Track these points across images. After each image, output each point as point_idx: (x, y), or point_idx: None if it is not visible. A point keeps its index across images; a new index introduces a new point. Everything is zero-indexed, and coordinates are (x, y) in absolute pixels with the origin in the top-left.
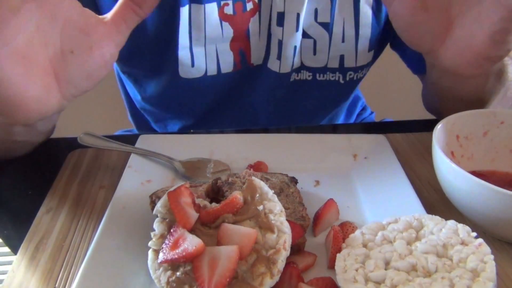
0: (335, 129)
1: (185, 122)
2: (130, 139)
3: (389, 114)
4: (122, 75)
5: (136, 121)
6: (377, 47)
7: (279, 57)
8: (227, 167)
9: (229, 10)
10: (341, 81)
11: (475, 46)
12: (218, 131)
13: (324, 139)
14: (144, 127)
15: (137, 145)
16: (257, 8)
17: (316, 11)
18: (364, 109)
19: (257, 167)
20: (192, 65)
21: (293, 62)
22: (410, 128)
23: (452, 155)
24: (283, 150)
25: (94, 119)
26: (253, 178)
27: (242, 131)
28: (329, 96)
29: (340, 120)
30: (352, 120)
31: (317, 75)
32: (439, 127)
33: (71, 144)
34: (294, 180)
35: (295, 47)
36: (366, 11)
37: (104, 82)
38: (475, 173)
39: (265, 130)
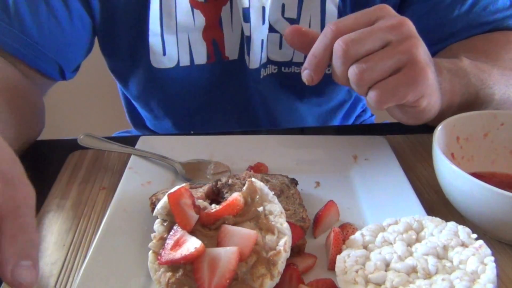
0: (335, 130)
1: (172, 120)
2: (130, 141)
3: (389, 117)
4: (111, 74)
5: (132, 120)
6: None
7: (248, 52)
8: (227, 168)
9: None
10: None
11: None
12: (218, 133)
13: (324, 141)
14: (141, 125)
15: (137, 146)
16: None
17: (283, 6)
18: (364, 111)
19: (257, 169)
20: (164, 53)
21: (261, 57)
22: (410, 130)
23: (452, 157)
24: (284, 151)
25: (94, 121)
26: (253, 179)
27: (242, 133)
28: (300, 90)
29: (338, 121)
30: (351, 122)
31: (282, 68)
32: (439, 128)
33: (71, 145)
34: (294, 182)
35: (262, 41)
36: (332, 9)
37: (103, 83)
38: (475, 175)
39: (266, 132)
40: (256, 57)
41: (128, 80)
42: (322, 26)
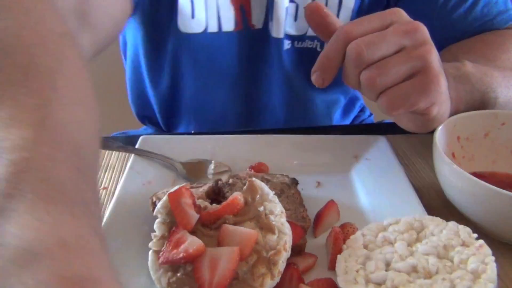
0: (335, 130)
1: (190, 92)
2: (130, 140)
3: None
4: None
5: (140, 109)
6: None
7: (272, 18)
8: (228, 168)
9: None
10: (319, 49)
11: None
12: (219, 132)
13: (325, 140)
14: (148, 116)
15: (138, 146)
16: None
17: None
18: (362, 110)
19: (258, 168)
20: (192, 15)
21: (284, 26)
22: None
23: (453, 156)
24: (284, 151)
25: None
26: (254, 179)
27: (243, 132)
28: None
29: (337, 118)
30: (349, 121)
31: (295, 42)
32: (440, 128)
33: None
34: (295, 181)
35: (286, 9)
36: None
37: (104, 83)
38: (476, 175)
39: (267, 131)
40: (280, 25)
41: (156, 49)
42: (340, 3)
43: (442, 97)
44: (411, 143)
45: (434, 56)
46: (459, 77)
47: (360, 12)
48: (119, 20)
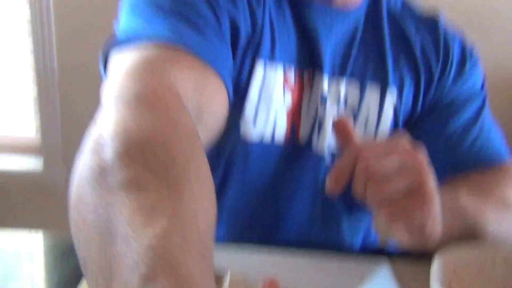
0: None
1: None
2: None
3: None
4: None
5: None
6: None
7: (318, 135)
8: (242, 281)
9: (290, 76)
10: None
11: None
12: (235, 246)
13: (336, 263)
14: None
15: None
16: (311, 83)
17: (345, 98)
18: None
19: (270, 286)
20: (254, 122)
21: (329, 143)
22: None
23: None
24: (295, 270)
25: None
26: None
27: (259, 245)
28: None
29: (358, 241)
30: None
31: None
32: (436, 260)
33: None
34: None
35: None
36: (389, 109)
37: None
38: None
39: (283, 249)
40: (324, 142)
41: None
42: (378, 121)
43: (435, 217)
44: (415, 271)
45: (430, 179)
46: (454, 209)
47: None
48: (222, 120)
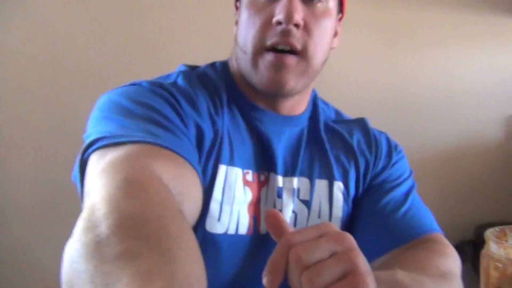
0: None
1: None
2: None
3: None
4: None
5: None
6: (346, 231)
7: None
8: None
9: (249, 177)
10: None
11: None
12: None
13: None
14: None
15: None
16: (267, 181)
17: (298, 190)
18: None
19: None
20: (219, 219)
21: None
22: None
23: None
24: None
25: None
26: None
27: None
28: None
29: None
30: None
31: None
32: None
33: None
34: None
35: (290, 218)
36: (338, 196)
37: None
38: None
39: None
40: None
41: None
42: (330, 208)
43: None
44: None
45: (361, 259)
46: (391, 284)
47: (346, 221)
48: (199, 208)
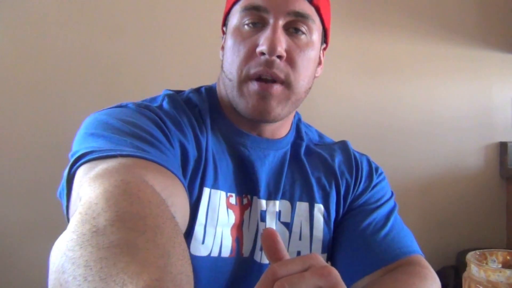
0: None
1: None
2: None
3: None
4: None
5: None
6: (328, 252)
7: (261, 248)
8: None
9: (232, 200)
10: None
11: None
12: None
13: None
14: None
15: None
16: (250, 204)
17: (279, 212)
18: None
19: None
20: (203, 242)
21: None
22: None
23: None
24: None
25: None
26: None
27: None
28: None
29: None
30: None
31: None
32: None
33: None
34: None
35: None
36: (319, 218)
37: None
38: None
39: None
40: (263, 253)
41: None
42: (311, 230)
43: None
44: None
45: None
46: None
47: (328, 242)
48: (187, 220)
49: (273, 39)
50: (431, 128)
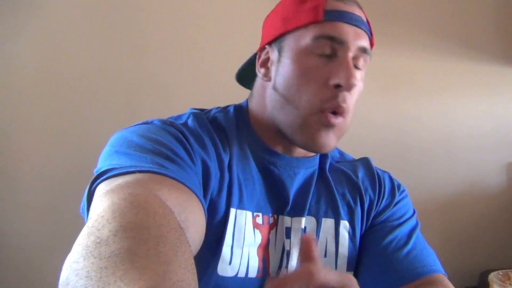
0: None
1: None
2: None
3: None
4: None
5: None
6: (354, 270)
7: (287, 266)
8: None
9: (259, 220)
10: None
11: None
12: None
13: None
14: None
15: None
16: (276, 223)
17: (305, 229)
18: None
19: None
20: (230, 262)
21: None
22: None
23: None
24: None
25: None
26: None
27: None
28: None
29: None
30: None
31: None
32: None
33: None
34: None
35: (298, 256)
36: (344, 234)
37: None
38: None
39: None
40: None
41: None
42: (337, 247)
43: None
44: None
45: None
46: None
47: (353, 260)
48: (202, 238)
49: (351, 73)
50: (451, 147)
